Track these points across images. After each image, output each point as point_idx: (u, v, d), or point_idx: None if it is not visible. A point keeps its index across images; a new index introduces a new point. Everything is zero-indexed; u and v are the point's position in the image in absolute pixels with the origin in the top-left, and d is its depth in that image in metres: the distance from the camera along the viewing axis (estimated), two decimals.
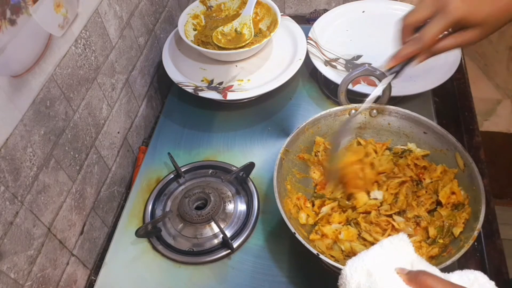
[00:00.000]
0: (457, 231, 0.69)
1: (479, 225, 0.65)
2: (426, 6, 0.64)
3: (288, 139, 0.79)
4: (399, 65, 0.70)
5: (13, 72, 0.60)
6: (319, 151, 0.83)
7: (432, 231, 0.72)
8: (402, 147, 0.83)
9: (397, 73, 0.72)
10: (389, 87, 0.82)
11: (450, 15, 0.61)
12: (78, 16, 0.74)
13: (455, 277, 0.51)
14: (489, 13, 0.60)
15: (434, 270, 0.52)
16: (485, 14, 0.60)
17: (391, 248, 0.53)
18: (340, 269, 0.65)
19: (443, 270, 0.62)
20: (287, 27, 1.10)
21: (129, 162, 0.99)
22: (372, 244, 0.69)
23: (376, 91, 0.76)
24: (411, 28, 0.66)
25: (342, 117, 0.84)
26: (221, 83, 1.00)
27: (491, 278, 0.74)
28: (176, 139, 0.99)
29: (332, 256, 0.71)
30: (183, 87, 0.98)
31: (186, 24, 1.07)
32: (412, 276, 0.49)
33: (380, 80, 0.82)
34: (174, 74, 1.01)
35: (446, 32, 0.64)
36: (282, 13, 1.06)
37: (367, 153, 0.80)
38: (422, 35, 0.64)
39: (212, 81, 1.00)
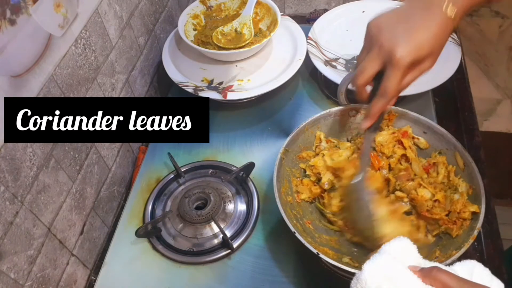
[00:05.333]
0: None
1: (479, 224, 0.65)
2: (372, 62, 0.66)
3: (288, 139, 0.79)
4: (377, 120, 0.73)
5: (13, 72, 0.60)
6: (320, 144, 0.83)
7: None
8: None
9: (377, 128, 0.74)
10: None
11: (401, 64, 0.63)
12: (78, 16, 0.74)
13: (457, 268, 0.51)
14: (432, 45, 0.63)
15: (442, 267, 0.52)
16: (429, 48, 0.63)
17: (397, 251, 0.53)
18: (339, 269, 0.65)
19: None
20: (287, 27, 1.10)
21: (129, 162, 0.99)
22: None
23: (366, 148, 0.75)
24: (365, 87, 0.70)
25: (341, 117, 0.84)
26: (221, 83, 1.00)
27: None
28: None
29: (329, 250, 0.71)
30: (183, 87, 0.98)
31: (186, 24, 1.07)
32: (426, 273, 0.49)
33: None
34: (174, 74, 1.01)
35: None
36: (282, 13, 1.06)
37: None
38: (385, 91, 0.66)
39: (212, 81, 1.00)
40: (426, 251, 0.70)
